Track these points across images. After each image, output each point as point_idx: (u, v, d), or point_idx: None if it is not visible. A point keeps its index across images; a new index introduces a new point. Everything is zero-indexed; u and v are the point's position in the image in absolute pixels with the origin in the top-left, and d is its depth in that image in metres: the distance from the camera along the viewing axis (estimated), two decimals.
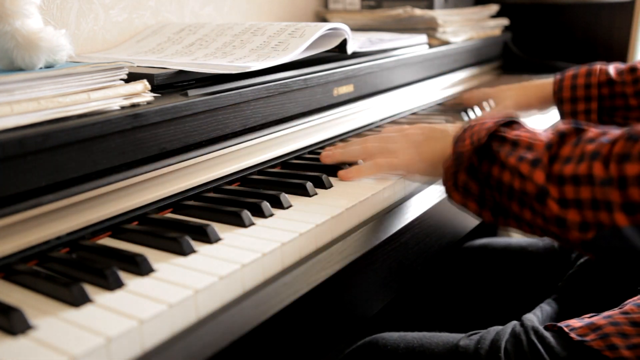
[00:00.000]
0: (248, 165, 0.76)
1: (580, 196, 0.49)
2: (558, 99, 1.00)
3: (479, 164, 0.60)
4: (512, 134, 0.59)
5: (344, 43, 0.91)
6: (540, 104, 1.06)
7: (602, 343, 0.63)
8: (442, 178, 0.65)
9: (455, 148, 0.62)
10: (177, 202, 0.67)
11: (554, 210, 0.52)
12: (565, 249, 0.94)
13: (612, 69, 0.97)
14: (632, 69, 0.95)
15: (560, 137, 0.54)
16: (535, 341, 0.66)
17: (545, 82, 1.05)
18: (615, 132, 0.51)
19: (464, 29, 1.36)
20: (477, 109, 1.13)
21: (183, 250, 0.55)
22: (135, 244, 0.59)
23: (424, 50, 1.18)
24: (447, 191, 0.64)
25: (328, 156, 0.77)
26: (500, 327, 0.71)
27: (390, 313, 1.03)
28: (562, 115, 1.01)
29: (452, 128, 0.70)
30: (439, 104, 1.22)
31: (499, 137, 0.60)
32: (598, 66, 0.98)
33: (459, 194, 0.63)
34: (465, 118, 1.09)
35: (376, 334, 0.77)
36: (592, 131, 0.53)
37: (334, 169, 0.77)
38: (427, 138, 0.70)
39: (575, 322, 0.67)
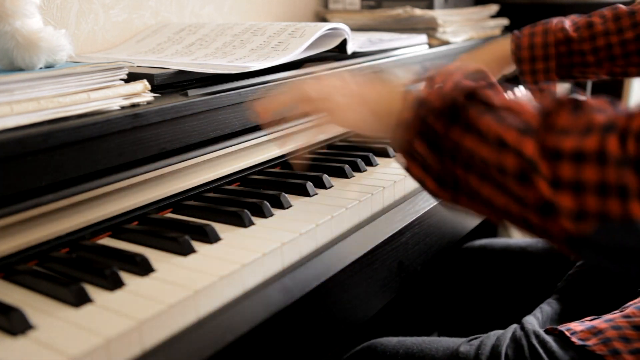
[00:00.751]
0: (248, 165, 0.76)
1: (581, 177, 0.39)
2: (517, 58, 0.99)
3: (445, 131, 0.48)
4: (489, 97, 0.48)
5: (344, 43, 0.91)
6: (499, 65, 1.04)
7: (604, 348, 0.62)
8: (395, 144, 0.54)
9: (418, 110, 0.50)
10: (177, 202, 0.67)
11: (542, 192, 0.41)
12: None
13: (568, 24, 0.96)
14: (589, 24, 0.94)
15: (555, 103, 0.43)
16: (537, 346, 0.65)
17: (501, 42, 1.03)
18: (624, 105, 0.42)
19: (464, 29, 1.36)
20: None
21: (183, 250, 0.55)
22: (135, 244, 0.59)
23: (424, 50, 1.18)
24: (393, 147, 0.54)
25: (259, 104, 0.64)
26: (500, 332, 0.70)
27: (389, 316, 1.03)
28: (522, 73, 1.00)
29: (406, 84, 0.58)
30: None
31: (474, 99, 0.48)
32: (554, 21, 0.98)
33: (418, 167, 0.52)
34: None
35: (374, 338, 0.77)
36: (595, 100, 0.43)
37: (334, 170, 0.77)
38: (377, 93, 0.58)
39: (577, 326, 0.67)
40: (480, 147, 0.45)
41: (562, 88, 1.20)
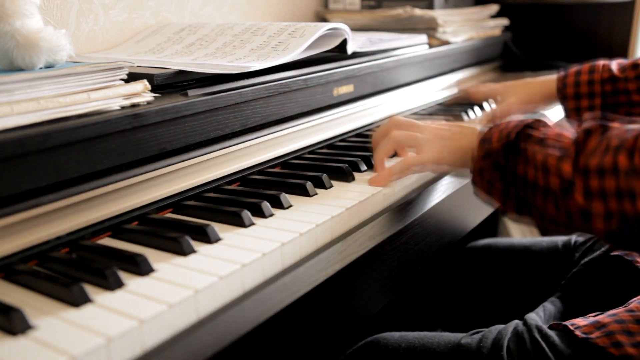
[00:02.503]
0: (248, 165, 0.76)
1: (604, 187, 0.51)
2: (562, 96, 1.01)
3: (505, 161, 0.61)
4: (539, 132, 0.61)
5: (344, 43, 0.91)
6: (544, 101, 1.07)
7: (607, 340, 0.63)
8: (470, 174, 0.66)
9: (483, 145, 0.63)
10: (177, 202, 0.67)
11: (579, 202, 0.53)
12: (568, 248, 0.94)
13: (614, 65, 0.97)
14: (635, 65, 0.95)
15: (586, 133, 0.55)
16: (539, 339, 0.66)
17: (548, 79, 1.05)
18: (637, 126, 0.53)
19: (464, 29, 1.36)
20: (481, 105, 1.13)
21: (183, 250, 0.55)
22: (135, 244, 0.59)
23: (424, 50, 1.18)
24: (475, 188, 0.66)
25: (376, 181, 0.74)
26: (502, 326, 0.71)
27: (391, 313, 1.03)
28: (566, 111, 1.01)
29: (479, 127, 0.70)
30: (439, 104, 1.22)
31: (527, 135, 0.61)
32: (601, 63, 0.99)
33: (484, 185, 0.64)
34: (466, 117, 1.09)
35: (377, 334, 0.77)
36: (617, 126, 0.55)
37: (334, 169, 0.77)
38: (454, 133, 0.71)
39: (580, 321, 0.67)
40: (537, 174, 0.58)
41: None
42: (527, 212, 0.62)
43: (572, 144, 0.55)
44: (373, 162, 0.77)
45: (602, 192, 0.52)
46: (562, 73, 1.02)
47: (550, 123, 0.64)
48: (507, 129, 0.62)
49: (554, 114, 1.14)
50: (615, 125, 0.55)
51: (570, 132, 0.59)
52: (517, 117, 0.64)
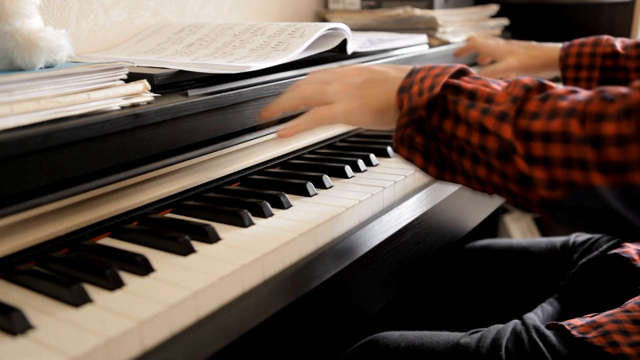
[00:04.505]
0: (248, 165, 0.76)
1: (549, 153, 0.47)
2: (563, 64, 1.02)
3: (427, 117, 0.56)
4: (467, 84, 0.56)
5: (344, 43, 0.91)
6: (544, 67, 1.09)
7: (603, 340, 0.63)
8: (394, 131, 0.60)
9: (403, 96, 0.58)
10: (177, 202, 0.67)
11: (520, 167, 0.49)
12: (567, 249, 0.94)
13: (618, 42, 0.99)
14: (638, 45, 0.97)
15: (525, 91, 0.51)
16: (537, 339, 0.66)
17: (552, 47, 1.08)
18: (584, 91, 0.49)
19: (464, 29, 1.36)
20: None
21: (183, 250, 0.55)
22: (135, 244, 0.59)
23: (424, 50, 1.18)
24: (395, 145, 0.60)
25: (265, 110, 0.70)
26: (501, 326, 0.71)
27: (391, 312, 1.03)
28: (565, 80, 1.03)
29: (393, 71, 0.64)
30: None
31: (453, 86, 0.56)
32: (605, 37, 1.00)
33: (405, 147, 0.59)
34: None
35: (377, 333, 0.77)
36: (559, 88, 0.51)
37: (334, 170, 0.77)
38: (367, 80, 0.64)
39: (577, 321, 0.67)
40: (469, 134, 0.53)
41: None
42: (451, 171, 0.58)
43: (511, 102, 0.51)
44: (268, 107, 0.70)
45: (547, 159, 0.47)
46: (566, 43, 1.04)
47: (474, 73, 0.59)
48: (429, 78, 0.57)
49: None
50: (553, 85, 0.51)
51: (499, 85, 0.54)
52: (440, 66, 0.59)
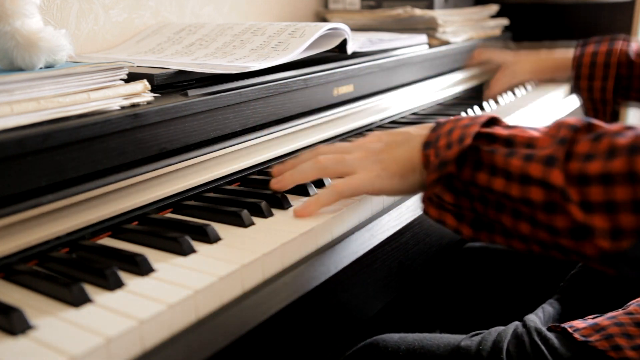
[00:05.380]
0: (248, 165, 0.76)
1: (613, 198, 0.42)
2: (576, 74, 1.02)
3: (458, 171, 0.51)
4: (502, 131, 0.51)
5: (344, 43, 0.91)
6: (556, 72, 1.08)
7: (606, 343, 0.62)
8: (418, 193, 0.57)
9: (429, 152, 0.53)
10: (177, 202, 0.67)
11: (577, 217, 0.44)
12: None
13: (633, 48, 0.98)
14: None
15: (573, 131, 0.46)
16: (538, 342, 0.66)
17: (564, 57, 1.07)
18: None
19: (464, 29, 1.36)
20: (481, 105, 1.14)
21: (183, 250, 0.55)
22: (135, 244, 0.59)
23: (424, 50, 1.18)
24: (423, 205, 0.56)
25: (278, 182, 0.65)
26: (502, 328, 0.71)
27: (390, 314, 1.03)
28: (577, 89, 1.03)
29: (413, 130, 0.61)
30: (439, 104, 1.22)
31: (487, 135, 0.51)
32: (619, 45, 1.00)
33: (434, 207, 0.55)
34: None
35: (377, 335, 0.77)
36: (611, 126, 0.46)
37: None
38: (387, 144, 0.61)
39: (579, 323, 0.67)
40: (508, 187, 0.47)
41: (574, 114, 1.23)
42: (487, 230, 0.53)
43: (559, 144, 0.46)
44: (281, 179, 0.65)
45: (609, 204, 0.42)
46: (578, 51, 1.03)
47: (505, 122, 0.54)
48: (457, 130, 0.52)
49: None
50: (602, 124, 0.47)
51: (537, 131, 0.49)
52: (465, 116, 0.55)
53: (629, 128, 0.45)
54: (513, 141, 0.50)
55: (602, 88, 0.99)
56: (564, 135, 0.46)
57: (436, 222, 0.55)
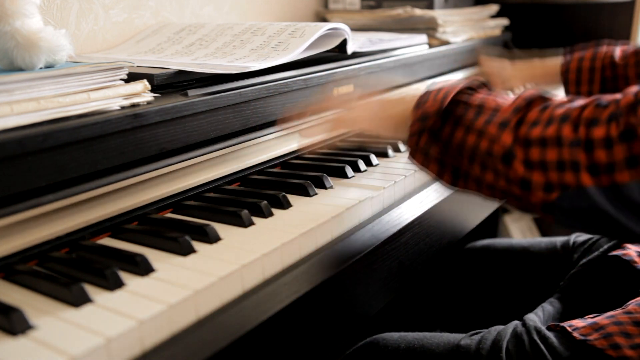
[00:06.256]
0: (248, 165, 0.76)
1: (546, 158, 0.51)
2: (564, 79, 1.05)
3: (441, 127, 0.60)
4: (476, 97, 0.60)
5: (344, 43, 0.91)
6: (546, 81, 1.12)
7: (605, 342, 0.62)
8: (406, 139, 0.64)
9: (417, 109, 0.62)
10: (177, 202, 0.67)
11: (519, 172, 0.52)
12: (567, 249, 0.94)
13: (617, 51, 1.00)
14: (637, 52, 0.99)
15: (527, 102, 0.54)
16: (538, 341, 0.66)
17: (552, 64, 1.11)
18: (582, 99, 0.52)
19: (464, 29, 1.36)
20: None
21: (183, 250, 0.55)
22: (135, 244, 0.59)
23: (424, 50, 1.18)
24: (410, 152, 0.64)
25: (309, 132, 0.78)
26: (501, 327, 0.71)
27: (391, 313, 1.03)
28: (567, 92, 1.07)
29: (410, 96, 0.69)
30: None
31: (462, 101, 0.60)
32: (604, 49, 1.02)
33: (420, 155, 0.62)
34: None
35: (377, 334, 0.77)
36: (559, 99, 0.54)
37: (334, 170, 0.77)
38: (385, 102, 0.70)
39: (578, 322, 0.67)
40: (478, 141, 0.56)
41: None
42: (463, 179, 0.60)
43: (513, 112, 0.54)
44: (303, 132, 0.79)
45: (543, 162, 0.51)
46: (567, 57, 1.06)
47: (487, 88, 0.63)
48: (441, 92, 0.61)
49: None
50: (555, 97, 0.55)
51: (509, 99, 0.57)
52: (452, 82, 0.63)
53: (571, 100, 0.53)
54: (483, 106, 0.58)
55: (589, 92, 1.02)
56: (518, 105, 0.55)
57: (420, 168, 0.63)
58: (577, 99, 0.53)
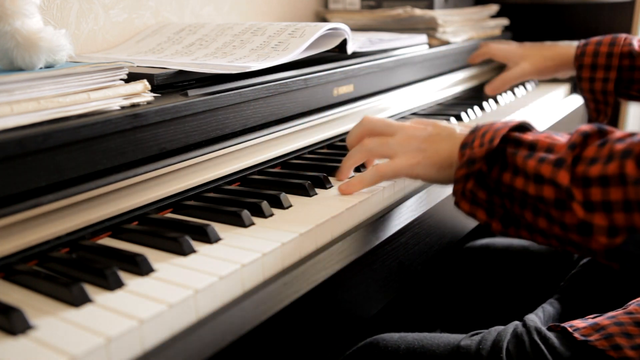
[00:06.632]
0: (248, 165, 0.76)
1: (609, 198, 0.47)
2: (579, 64, 1.01)
3: (488, 170, 0.57)
4: (528, 136, 0.56)
5: (344, 43, 0.91)
6: (558, 69, 1.08)
7: (606, 343, 0.62)
8: (453, 184, 0.61)
9: (465, 151, 0.59)
10: (177, 202, 0.67)
11: (579, 215, 0.48)
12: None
13: (636, 41, 0.98)
14: None
15: (584, 138, 0.51)
16: (538, 341, 0.66)
17: (567, 47, 1.07)
18: None
19: (464, 29, 1.36)
20: (481, 105, 1.14)
21: (183, 250, 0.55)
22: (135, 244, 0.59)
23: (424, 50, 1.18)
24: (455, 199, 0.61)
25: (340, 173, 0.74)
26: (501, 327, 0.71)
27: (390, 313, 1.03)
28: (580, 79, 1.02)
29: (458, 128, 0.66)
30: (439, 104, 1.22)
31: (514, 140, 0.56)
32: (623, 36, 0.99)
33: (467, 202, 0.60)
34: (466, 117, 1.09)
35: (377, 334, 0.77)
36: (618, 132, 0.51)
37: (334, 170, 0.77)
38: (431, 136, 0.66)
39: (579, 323, 0.67)
40: (526, 185, 0.53)
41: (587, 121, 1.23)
42: (515, 225, 0.57)
43: (569, 149, 0.50)
44: (340, 168, 0.74)
45: (607, 204, 0.47)
46: (582, 41, 1.03)
47: (536, 127, 0.60)
48: (490, 132, 0.57)
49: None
50: (615, 131, 0.51)
51: (562, 137, 0.54)
52: (501, 121, 0.60)
53: (632, 134, 0.49)
54: (536, 145, 0.54)
55: (605, 79, 0.97)
56: (574, 141, 0.51)
57: (467, 216, 0.60)
58: (637, 133, 0.49)
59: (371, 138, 0.70)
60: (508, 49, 1.19)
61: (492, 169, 0.56)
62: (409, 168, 0.66)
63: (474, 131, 0.60)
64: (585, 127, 0.52)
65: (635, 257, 0.47)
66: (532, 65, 1.12)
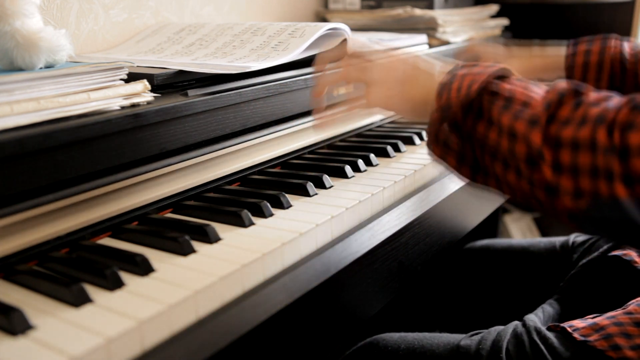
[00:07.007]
0: (248, 165, 0.76)
1: (577, 162, 0.46)
2: (568, 75, 1.00)
3: (463, 118, 0.56)
4: (505, 87, 0.54)
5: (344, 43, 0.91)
6: (547, 73, 1.07)
7: (605, 343, 0.62)
8: (426, 127, 0.60)
9: (442, 98, 0.57)
10: (177, 202, 0.67)
11: (546, 176, 0.48)
12: (566, 249, 0.94)
13: (626, 47, 0.97)
14: None
15: (559, 97, 0.50)
16: (538, 341, 0.66)
17: (556, 57, 1.05)
18: (617, 98, 0.48)
19: (464, 29, 1.36)
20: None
21: (183, 250, 0.55)
22: (135, 244, 0.59)
23: (424, 50, 1.18)
24: (428, 143, 0.60)
25: (315, 90, 0.72)
26: (501, 327, 0.71)
27: (390, 314, 1.03)
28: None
29: (438, 70, 0.63)
30: None
31: (491, 90, 0.55)
32: (612, 43, 0.98)
33: (438, 147, 0.59)
34: None
35: (377, 334, 0.77)
36: (594, 94, 0.50)
37: (334, 170, 0.77)
38: (410, 77, 0.64)
39: (579, 323, 0.67)
40: (500, 138, 0.52)
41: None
42: (483, 174, 0.57)
43: (544, 109, 0.49)
44: (315, 87, 0.71)
45: (574, 167, 0.46)
46: (570, 50, 1.01)
47: (517, 77, 0.58)
48: (469, 76, 0.56)
49: None
50: (590, 92, 0.50)
51: (539, 91, 0.53)
52: (483, 67, 0.58)
53: (607, 98, 0.48)
54: (512, 98, 0.53)
55: (596, 88, 0.98)
56: (550, 100, 0.50)
57: (438, 160, 0.59)
58: (613, 97, 0.48)
59: (351, 59, 0.68)
60: (494, 51, 1.18)
61: (467, 117, 0.55)
62: (385, 99, 0.65)
63: (453, 76, 0.58)
64: (562, 84, 0.51)
65: (597, 222, 0.47)
66: (519, 64, 1.11)
